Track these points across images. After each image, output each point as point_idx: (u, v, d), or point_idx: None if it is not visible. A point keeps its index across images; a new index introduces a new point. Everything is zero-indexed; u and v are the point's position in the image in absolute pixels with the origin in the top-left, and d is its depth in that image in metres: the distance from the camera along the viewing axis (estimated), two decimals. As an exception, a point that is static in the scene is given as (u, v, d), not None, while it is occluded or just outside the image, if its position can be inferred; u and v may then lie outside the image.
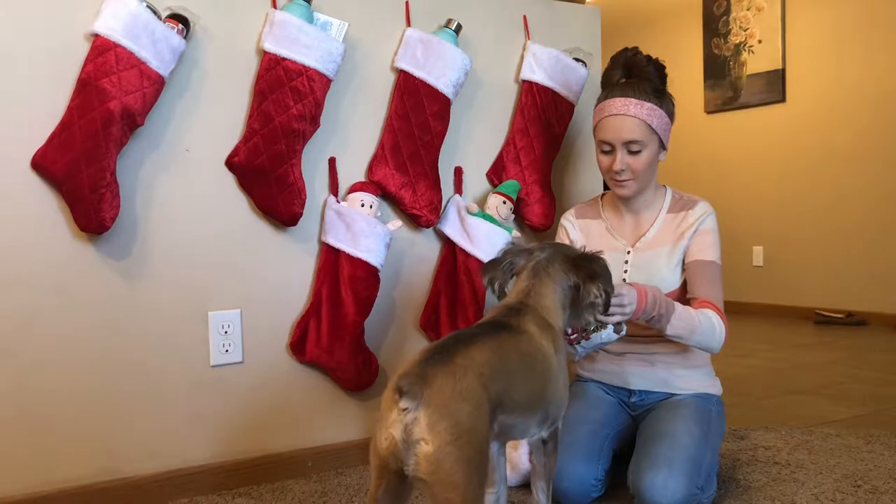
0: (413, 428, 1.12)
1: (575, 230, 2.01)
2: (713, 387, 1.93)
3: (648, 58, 1.86)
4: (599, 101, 1.89)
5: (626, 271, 1.89)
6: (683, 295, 1.87)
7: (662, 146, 1.88)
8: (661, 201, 1.94)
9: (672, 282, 1.86)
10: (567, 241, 2.00)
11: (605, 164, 1.87)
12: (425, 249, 2.23)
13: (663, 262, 1.86)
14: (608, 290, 1.48)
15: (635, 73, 1.86)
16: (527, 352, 1.35)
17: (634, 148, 1.81)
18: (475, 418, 1.16)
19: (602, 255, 1.52)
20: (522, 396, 1.32)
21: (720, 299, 1.81)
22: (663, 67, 1.86)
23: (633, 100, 1.81)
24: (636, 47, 1.90)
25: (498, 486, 1.55)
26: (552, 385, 1.40)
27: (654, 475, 1.62)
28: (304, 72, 1.88)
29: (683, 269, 1.87)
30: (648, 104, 1.81)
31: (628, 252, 1.90)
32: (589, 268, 1.48)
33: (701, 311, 1.73)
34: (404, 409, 1.14)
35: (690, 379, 1.89)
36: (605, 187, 2.66)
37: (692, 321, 1.70)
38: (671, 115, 1.87)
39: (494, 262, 1.53)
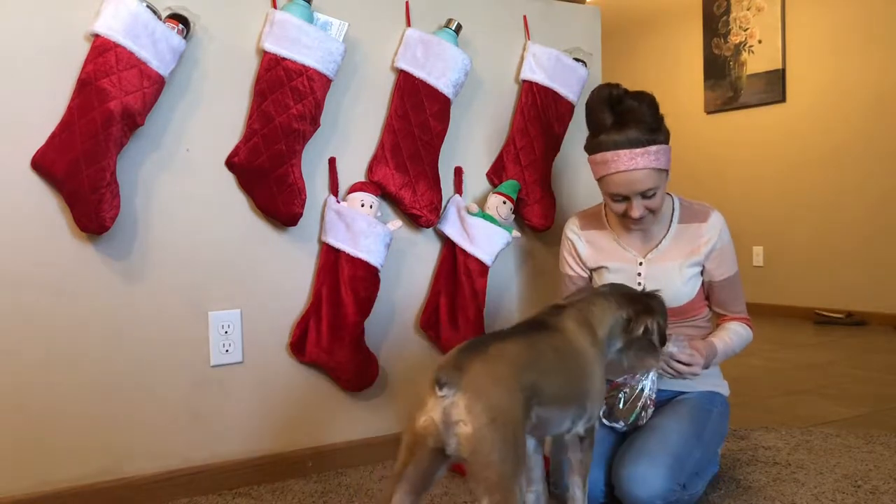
0: (452, 410, 1.20)
1: (581, 242, 1.96)
2: (720, 386, 1.94)
3: (639, 97, 1.74)
4: (596, 148, 1.75)
5: (640, 284, 1.86)
6: (698, 303, 1.88)
7: (667, 172, 1.80)
8: (670, 211, 1.89)
9: (686, 293, 1.85)
10: (574, 254, 1.98)
11: (618, 209, 1.79)
12: (425, 249, 2.23)
13: (676, 275, 1.84)
14: (660, 324, 1.58)
15: (631, 117, 1.71)
16: (560, 347, 1.43)
17: (650, 193, 1.74)
18: (509, 401, 1.23)
19: (659, 294, 1.64)
20: (557, 389, 1.39)
21: (743, 301, 1.94)
22: (654, 102, 1.75)
23: (638, 150, 1.69)
24: (617, 84, 1.76)
25: (536, 484, 1.58)
26: (588, 380, 1.47)
27: (633, 467, 1.63)
28: (305, 72, 1.88)
29: (703, 285, 1.89)
30: (654, 147, 1.70)
31: (640, 263, 1.88)
32: (644, 302, 1.59)
33: (732, 332, 1.88)
34: (443, 396, 1.21)
35: (698, 378, 1.88)
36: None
37: (727, 349, 1.85)
38: (668, 138, 1.78)
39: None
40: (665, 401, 1.88)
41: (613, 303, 1.58)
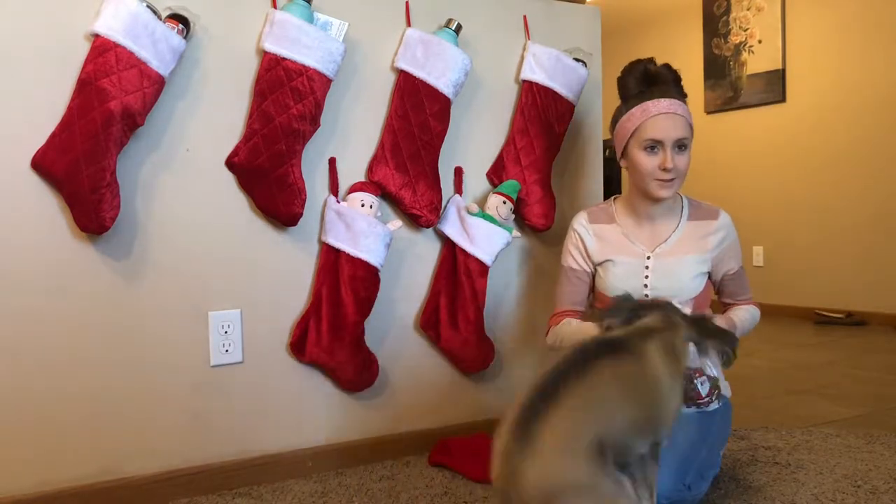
0: (521, 482, 1.17)
1: (589, 235, 1.98)
2: (723, 387, 1.93)
3: (667, 67, 1.90)
4: (632, 105, 1.86)
5: (646, 276, 1.88)
6: (702, 300, 1.90)
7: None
8: (679, 209, 1.95)
9: (692, 288, 1.87)
10: (581, 247, 1.99)
11: (650, 164, 1.84)
12: (425, 249, 2.23)
13: (684, 270, 1.87)
14: (734, 348, 1.58)
15: (661, 80, 1.88)
16: (633, 374, 1.35)
17: (682, 145, 1.85)
18: (580, 468, 1.19)
19: (715, 319, 1.66)
20: (626, 423, 1.32)
21: (749, 290, 2.01)
22: (679, 77, 1.91)
23: (676, 100, 1.85)
24: (651, 58, 1.92)
25: None
26: (663, 409, 1.40)
27: None
28: (305, 72, 1.88)
29: (711, 281, 1.95)
30: (685, 106, 1.88)
31: (648, 257, 1.90)
32: (713, 327, 1.57)
33: (743, 310, 1.95)
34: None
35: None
36: (607, 189, 2.67)
37: (743, 325, 1.91)
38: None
39: (611, 313, 1.57)
40: None
41: (682, 324, 1.54)
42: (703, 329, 1.56)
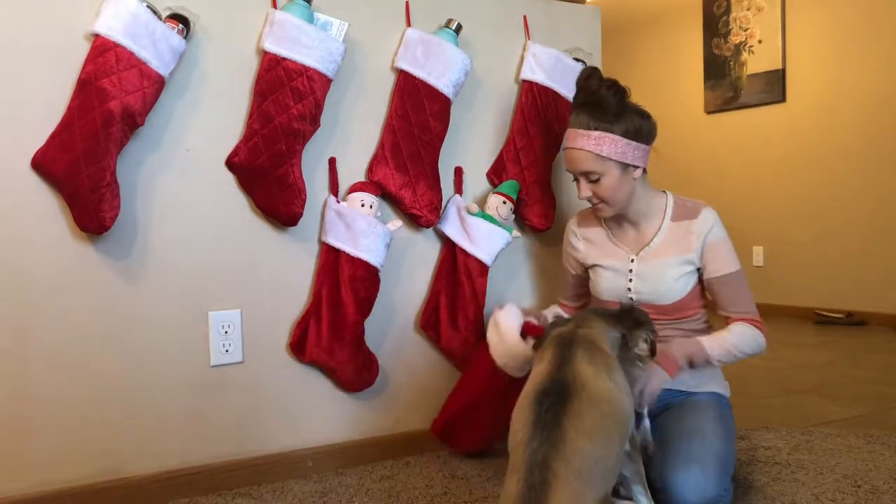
0: None
1: (577, 239, 2.02)
2: (723, 388, 1.93)
3: (601, 80, 1.77)
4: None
5: (630, 280, 1.88)
6: (690, 302, 1.87)
7: (632, 166, 1.80)
8: (663, 209, 1.89)
9: (678, 290, 1.85)
10: (569, 251, 2.05)
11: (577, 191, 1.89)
12: (425, 249, 2.23)
13: (669, 272, 1.85)
14: (653, 338, 1.58)
15: (589, 100, 1.78)
16: (588, 417, 1.33)
17: (592, 177, 1.81)
18: None
19: (639, 308, 1.63)
20: (614, 455, 1.34)
21: (750, 303, 1.87)
22: (618, 87, 1.78)
23: (581, 131, 1.78)
24: (593, 68, 1.81)
25: None
26: (628, 420, 1.41)
27: (686, 473, 1.60)
28: (305, 72, 1.88)
29: (700, 283, 1.88)
30: (596, 133, 1.76)
31: (632, 260, 1.89)
32: (632, 317, 1.57)
33: (735, 333, 1.82)
34: None
35: (702, 378, 1.88)
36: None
37: (730, 352, 1.80)
38: (636, 133, 1.78)
39: (541, 337, 1.60)
40: (671, 400, 1.87)
41: (605, 322, 1.56)
42: (628, 320, 1.57)
